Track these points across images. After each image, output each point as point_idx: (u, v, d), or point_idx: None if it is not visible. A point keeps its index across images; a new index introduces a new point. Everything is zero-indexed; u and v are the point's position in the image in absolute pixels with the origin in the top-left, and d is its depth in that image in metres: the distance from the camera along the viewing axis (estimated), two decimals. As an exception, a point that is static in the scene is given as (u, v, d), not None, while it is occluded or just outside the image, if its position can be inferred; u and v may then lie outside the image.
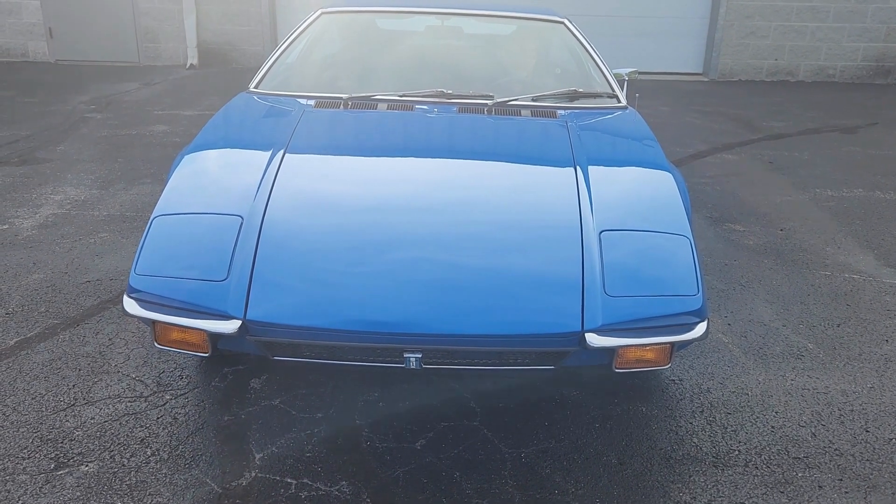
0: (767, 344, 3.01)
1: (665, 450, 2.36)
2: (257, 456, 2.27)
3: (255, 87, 3.39)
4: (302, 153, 2.69)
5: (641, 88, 4.67)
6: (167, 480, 2.16)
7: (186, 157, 2.67)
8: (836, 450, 2.38)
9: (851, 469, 2.29)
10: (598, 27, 8.43)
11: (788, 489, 2.20)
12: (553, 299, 2.10)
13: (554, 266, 2.18)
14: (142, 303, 2.11)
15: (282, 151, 2.63)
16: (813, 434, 2.45)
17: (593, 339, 2.02)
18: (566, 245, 2.24)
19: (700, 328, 2.12)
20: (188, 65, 9.27)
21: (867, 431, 2.48)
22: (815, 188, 5.06)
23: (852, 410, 2.59)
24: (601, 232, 2.27)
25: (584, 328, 2.03)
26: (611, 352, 2.09)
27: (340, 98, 3.15)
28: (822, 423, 2.51)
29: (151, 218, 2.28)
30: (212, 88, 8.03)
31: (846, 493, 2.19)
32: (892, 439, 2.44)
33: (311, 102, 3.16)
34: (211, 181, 2.55)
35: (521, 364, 2.19)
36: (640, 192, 2.59)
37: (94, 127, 6.25)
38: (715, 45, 9.23)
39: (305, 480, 2.17)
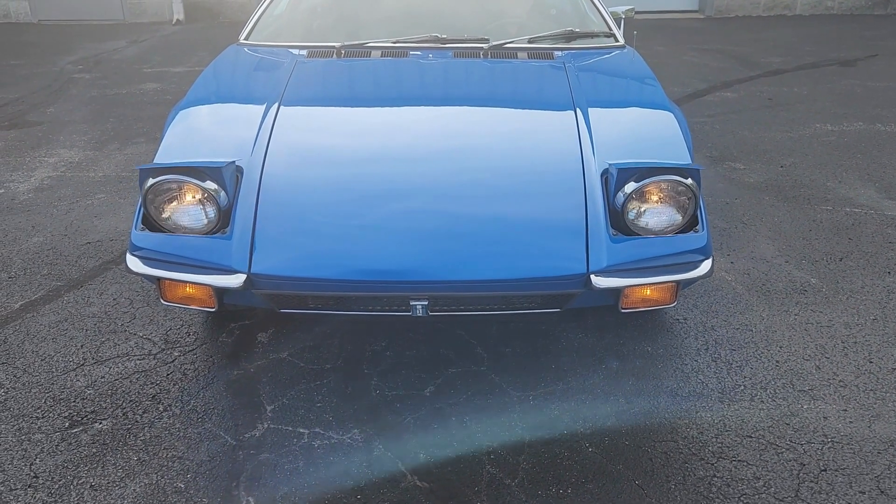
0: (770, 280, 3.02)
1: (671, 387, 2.39)
2: (268, 408, 2.29)
3: (245, 39, 3.32)
4: (297, 105, 2.64)
5: (637, 27, 4.59)
6: (181, 434, 2.18)
7: (180, 112, 2.63)
8: (840, 381, 2.41)
9: (856, 399, 2.32)
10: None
11: (794, 421, 2.23)
12: (557, 242, 2.09)
13: (557, 209, 2.17)
14: (145, 260, 2.11)
15: (276, 104, 2.58)
16: (817, 367, 2.48)
17: (599, 281, 2.02)
18: (569, 188, 2.21)
19: (705, 266, 2.11)
20: (174, 20, 9.08)
21: (871, 362, 2.50)
22: (814, 123, 5.01)
23: (856, 342, 2.61)
24: (604, 169, 2.24)
25: (590, 270, 2.03)
26: (616, 292, 2.09)
27: (333, 47, 3.09)
28: (826, 355, 2.54)
29: (149, 175, 2.25)
30: (200, 44, 7.88)
31: (851, 422, 2.22)
32: (895, 369, 2.46)
33: (303, 52, 3.10)
34: (206, 136, 2.51)
35: (527, 308, 2.20)
36: (643, 133, 2.56)
37: (84, 87, 6.15)
38: (711, -19, 9.04)
39: (317, 430, 2.20)
